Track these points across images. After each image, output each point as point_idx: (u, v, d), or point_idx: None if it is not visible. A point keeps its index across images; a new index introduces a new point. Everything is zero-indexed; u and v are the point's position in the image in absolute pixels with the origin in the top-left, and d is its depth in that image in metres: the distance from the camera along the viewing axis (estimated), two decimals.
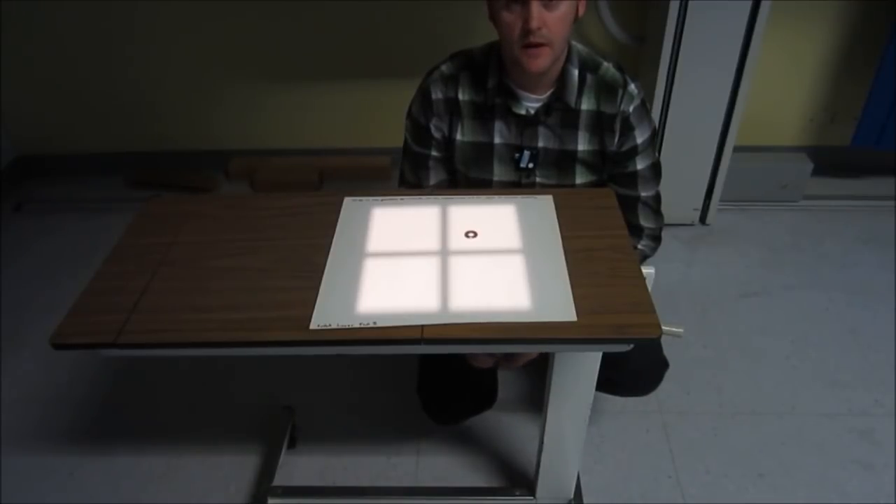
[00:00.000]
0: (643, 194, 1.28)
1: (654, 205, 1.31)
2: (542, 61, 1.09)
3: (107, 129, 2.56)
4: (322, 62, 2.36)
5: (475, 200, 1.11)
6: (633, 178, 1.26)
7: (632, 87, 1.20)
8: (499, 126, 1.23)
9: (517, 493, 1.38)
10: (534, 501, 1.35)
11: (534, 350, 1.14)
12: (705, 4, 1.79)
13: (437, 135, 1.26)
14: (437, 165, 1.30)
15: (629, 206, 1.27)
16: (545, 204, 1.09)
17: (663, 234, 1.36)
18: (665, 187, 1.34)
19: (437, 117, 1.25)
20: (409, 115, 1.29)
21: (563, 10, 1.06)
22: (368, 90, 2.40)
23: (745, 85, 1.93)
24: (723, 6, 1.79)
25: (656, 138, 1.28)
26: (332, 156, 2.58)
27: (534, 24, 1.03)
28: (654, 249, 1.35)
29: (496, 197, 1.12)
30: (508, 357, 1.21)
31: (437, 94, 1.23)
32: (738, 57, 1.88)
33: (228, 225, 1.08)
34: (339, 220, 1.07)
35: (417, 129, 1.28)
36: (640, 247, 1.31)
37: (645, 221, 1.31)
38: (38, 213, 2.47)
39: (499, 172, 1.26)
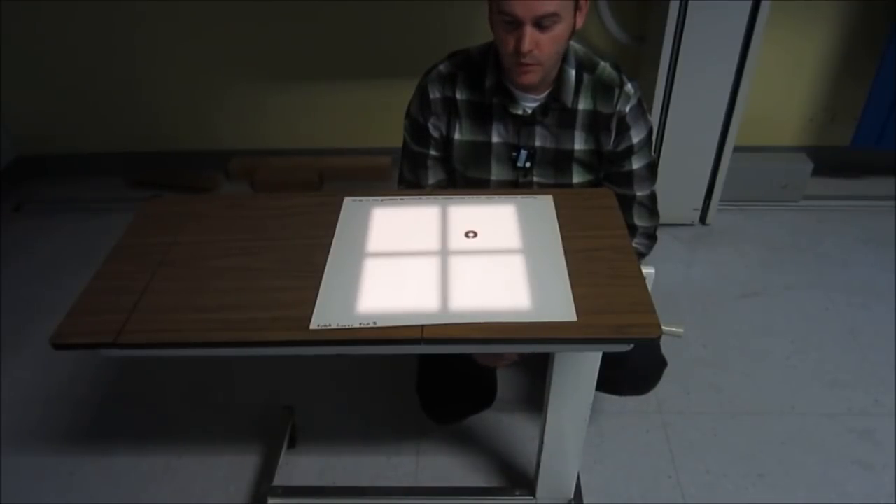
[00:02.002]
0: (639, 193, 1.28)
1: (650, 204, 1.31)
2: (531, 77, 1.11)
3: (107, 129, 2.57)
4: (322, 62, 2.36)
5: (475, 200, 1.11)
6: (628, 178, 1.27)
7: (628, 86, 1.20)
8: (496, 125, 1.23)
9: (517, 493, 1.38)
10: (534, 501, 1.35)
11: (534, 350, 1.14)
12: (705, 4, 1.79)
13: (435, 134, 1.26)
14: (435, 165, 1.30)
15: (625, 205, 1.27)
16: (545, 204, 1.09)
17: (662, 233, 1.36)
18: (665, 187, 1.34)
19: (435, 116, 1.25)
20: (408, 114, 1.29)
21: (557, 31, 1.07)
22: (369, 90, 2.41)
23: (745, 85, 1.93)
24: (723, 6, 1.79)
25: (653, 138, 1.29)
26: (332, 156, 2.58)
27: (525, 47, 1.05)
28: (650, 248, 1.35)
29: (496, 197, 1.12)
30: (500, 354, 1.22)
31: (434, 94, 1.24)
32: (738, 57, 1.88)
33: (228, 225, 1.07)
34: (339, 220, 1.07)
35: (416, 128, 1.28)
36: (634, 244, 1.31)
37: (640, 220, 1.31)
38: (38, 213, 2.47)
39: (496, 172, 1.26)
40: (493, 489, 1.44)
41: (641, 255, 1.33)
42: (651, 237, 1.34)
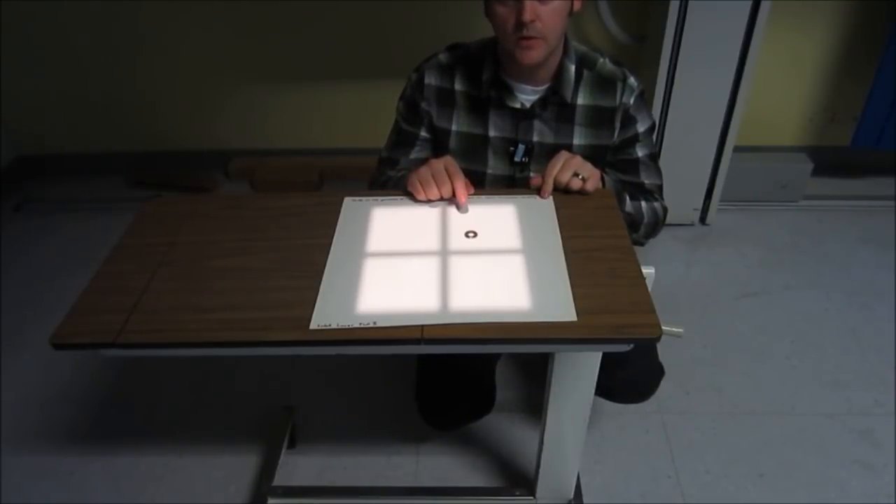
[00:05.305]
0: (647, 182, 1.28)
1: (659, 192, 1.31)
2: (535, 53, 1.09)
3: (107, 129, 2.56)
4: (322, 62, 2.36)
5: (475, 200, 1.11)
6: (634, 165, 1.27)
7: (631, 79, 1.21)
8: (493, 119, 1.23)
9: (517, 493, 1.38)
10: (534, 501, 1.35)
11: (534, 350, 1.13)
12: (705, 4, 1.79)
13: (425, 117, 1.27)
14: (423, 145, 1.31)
15: (637, 188, 1.28)
16: (545, 204, 1.09)
17: (662, 233, 1.36)
18: (665, 187, 1.34)
19: (426, 101, 1.26)
20: (402, 96, 1.31)
21: (556, 4, 1.06)
22: (369, 90, 2.40)
23: (745, 85, 1.93)
24: (723, 6, 1.79)
25: (655, 130, 1.29)
26: (332, 156, 2.58)
27: (526, 17, 1.04)
28: (665, 213, 1.32)
29: (496, 197, 1.12)
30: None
31: (430, 80, 1.25)
32: (738, 57, 1.88)
33: (228, 225, 1.07)
34: (339, 220, 1.07)
35: (409, 108, 1.29)
36: (657, 205, 1.28)
37: (653, 182, 1.29)
38: (38, 213, 2.47)
39: (493, 165, 1.27)
40: (493, 489, 1.44)
41: (664, 211, 1.29)
42: (665, 210, 1.31)
